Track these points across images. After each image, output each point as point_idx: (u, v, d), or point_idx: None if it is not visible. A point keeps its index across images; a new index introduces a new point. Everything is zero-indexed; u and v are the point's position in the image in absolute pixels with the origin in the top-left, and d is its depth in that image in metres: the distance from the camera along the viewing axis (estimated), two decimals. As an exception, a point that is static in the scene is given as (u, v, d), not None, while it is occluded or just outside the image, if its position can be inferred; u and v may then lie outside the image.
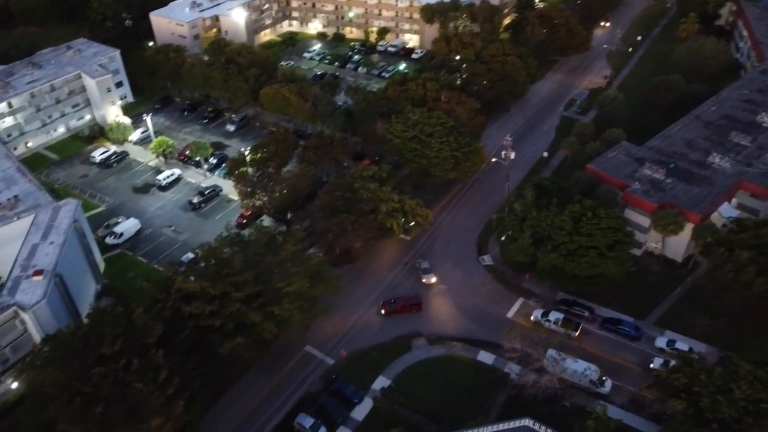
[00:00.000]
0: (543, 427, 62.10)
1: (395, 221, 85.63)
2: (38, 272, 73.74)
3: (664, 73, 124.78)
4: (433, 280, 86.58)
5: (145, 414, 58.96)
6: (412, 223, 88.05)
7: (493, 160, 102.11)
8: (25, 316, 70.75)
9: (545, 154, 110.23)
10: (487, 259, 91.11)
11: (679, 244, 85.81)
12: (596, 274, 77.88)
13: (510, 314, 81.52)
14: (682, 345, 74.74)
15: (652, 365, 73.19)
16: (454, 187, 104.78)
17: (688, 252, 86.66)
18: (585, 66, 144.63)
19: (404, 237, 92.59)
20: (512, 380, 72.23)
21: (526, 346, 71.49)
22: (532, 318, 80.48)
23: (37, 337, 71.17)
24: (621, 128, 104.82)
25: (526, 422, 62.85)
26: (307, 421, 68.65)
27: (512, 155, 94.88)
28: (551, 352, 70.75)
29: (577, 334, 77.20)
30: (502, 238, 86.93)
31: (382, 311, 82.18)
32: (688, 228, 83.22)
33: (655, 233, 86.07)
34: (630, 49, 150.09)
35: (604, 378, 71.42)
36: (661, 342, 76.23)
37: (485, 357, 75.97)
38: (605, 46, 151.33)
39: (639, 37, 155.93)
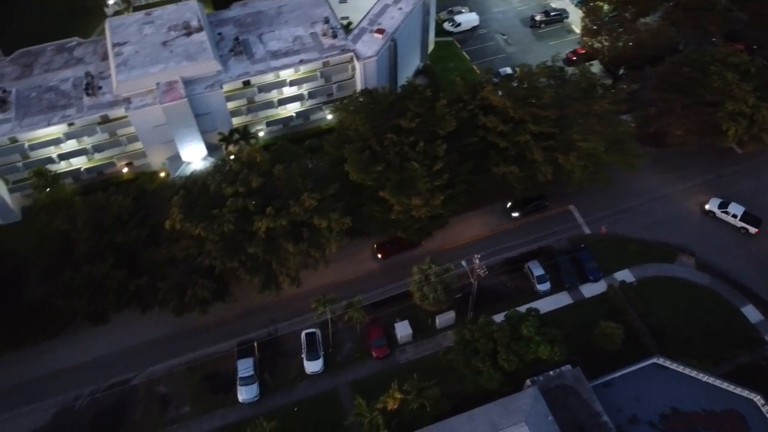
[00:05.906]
0: (772, 413, 55.02)
1: (736, 126, 72.99)
2: (380, 30, 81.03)
3: None
4: None
5: (411, 191, 65.65)
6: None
7: None
8: (357, 65, 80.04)
9: None
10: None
11: None
12: None
13: (811, 286, 68.58)
14: None
15: None
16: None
17: None
18: None
19: (735, 147, 79.67)
20: (767, 350, 63.27)
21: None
22: (706, 207, 75.03)
23: (358, 86, 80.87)
24: None
25: (756, 398, 56.02)
26: (537, 270, 69.87)
27: None
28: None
29: (756, 230, 71.79)
30: None
31: (378, 255, 73.08)
32: None
33: None
34: None
35: None
36: None
37: (751, 312, 66.74)
38: None
39: None
